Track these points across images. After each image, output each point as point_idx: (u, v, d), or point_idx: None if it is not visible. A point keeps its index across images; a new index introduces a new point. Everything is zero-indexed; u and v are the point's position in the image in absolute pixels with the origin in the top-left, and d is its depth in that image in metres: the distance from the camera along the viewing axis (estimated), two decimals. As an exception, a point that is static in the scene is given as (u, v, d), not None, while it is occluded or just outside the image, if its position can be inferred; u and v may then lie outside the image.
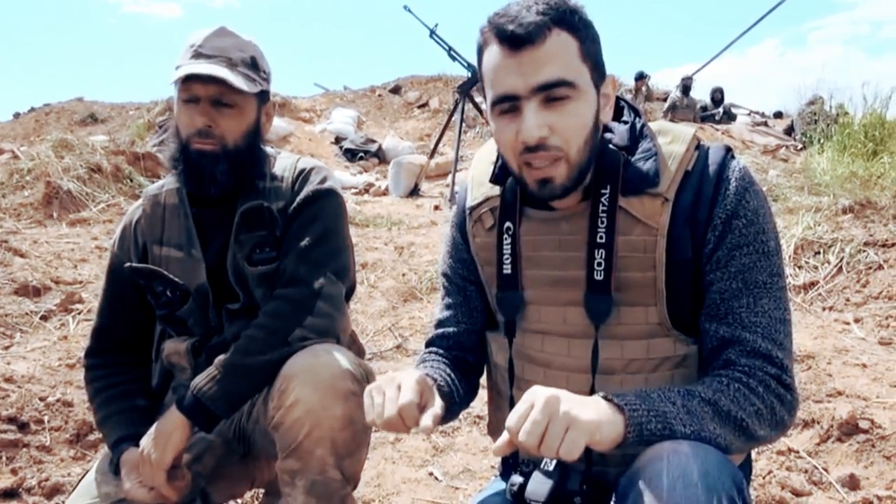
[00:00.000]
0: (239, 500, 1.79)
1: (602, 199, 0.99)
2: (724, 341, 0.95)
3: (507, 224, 1.07)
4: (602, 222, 0.98)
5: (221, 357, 1.28)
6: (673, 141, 1.00)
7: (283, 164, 1.44)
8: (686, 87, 11.37)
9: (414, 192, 7.75)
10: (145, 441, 1.28)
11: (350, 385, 1.21)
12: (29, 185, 5.38)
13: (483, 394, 1.27)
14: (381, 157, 10.47)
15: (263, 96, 1.40)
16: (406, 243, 4.87)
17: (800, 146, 8.82)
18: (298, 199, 1.38)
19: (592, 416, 0.82)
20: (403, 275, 4.07)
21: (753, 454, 1.76)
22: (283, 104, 12.26)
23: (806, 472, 1.95)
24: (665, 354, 0.99)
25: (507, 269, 1.07)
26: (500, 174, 1.07)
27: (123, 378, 1.46)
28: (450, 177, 7.11)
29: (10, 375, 2.44)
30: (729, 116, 11.88)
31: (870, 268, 3.43)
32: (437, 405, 0.95)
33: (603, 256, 0.98)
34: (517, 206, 1.07)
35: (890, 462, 1.93)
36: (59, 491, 1.89)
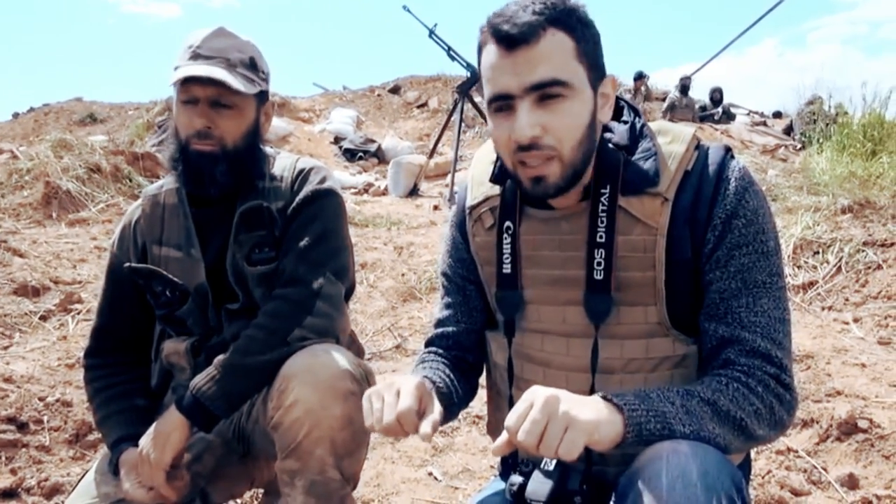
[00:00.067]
0: (238, 500, 1.79)
1: (602, 199, 0.99)
2: (724, 341, 0.96)
3: (507, 223, 1.07)
4: (602, 222, 0.98)
5: (221, 357, 1.28)
6: (673, 141, 1.00)
7: (283, 164, 1.44)
8: (684, 87, 11.37)
9: (413, 192, 7.75)
10: (144, 441, 1.28)
11: (349, 385, 1.21)
12: (28, 185, 5.37)
13: (482, 393, 1.28)
14: (380, 157, 10.47)
15: (262, 96, 1.40)
16: (405, 243, 4.87)
17: (799, 146, 8.83)
18: (298, 199, 1.38)
19: (591, 416, 0.83)
20: (403, 275, 4.07)
21: (752, 454, 1.76)
22: (283, 104, 12.26)
23: (805, 471, 1.95)
24: (664, 354, 0.99)
25: (507, 269, 1.07)
26: (500, 174, 1.07)
27: (123, 378, 1.46)
28: (449, 177, 7.11)
29: (10, 375, 2.44)
30: (728, 116, 11.89)
31: (869, 267, 3.44)
32: (436, 411, 0.95)
33: (603, 256, 0.98)
34: (517, 205, 1.07)
35: (889, 461, 1.93)
36: (58, 491, 1.89)
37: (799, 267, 3.64)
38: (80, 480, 1.42)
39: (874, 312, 3.09)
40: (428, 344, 1.23)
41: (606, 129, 1.02)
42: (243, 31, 1.38)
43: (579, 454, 0.81)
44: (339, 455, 1.22)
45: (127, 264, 1.43)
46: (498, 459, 1.28)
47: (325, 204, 1.39)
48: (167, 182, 1.46)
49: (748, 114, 13.03)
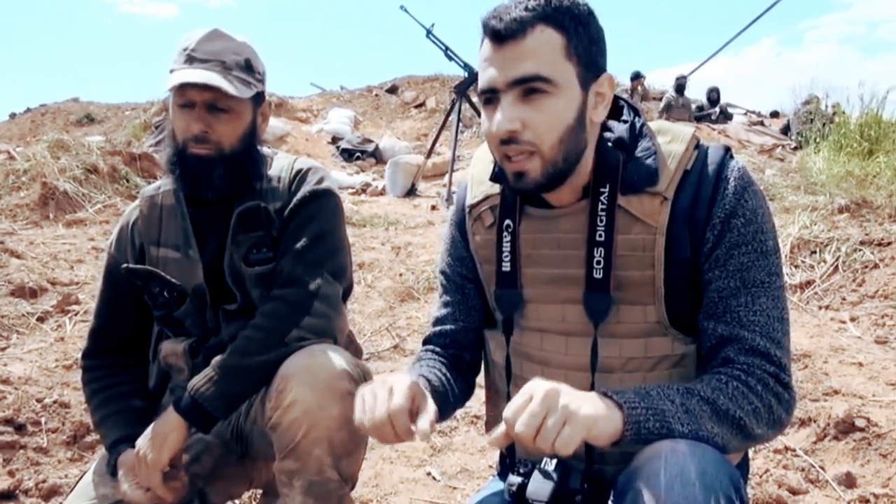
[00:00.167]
0: (237, 501, 1.79)
1: (601, 198, 0.99)
2: (723, 339, 0.96)
3: (507, 221, 1.07)
4: (601, 220, 0.99)
5: (218, 358, 1.28)
6: (672, 140, 1.00)
7: (280, 164, 1.44)
8: (681, 87, 11.39)
9: (411, 191, 7.74)
10: (142, 442, 1.28)
11: (347, 385, 1.21)
12: (25, 186, 5.36)
13: (481, 393, 1.28)
14: (377, 156, 10.47)
15: (259, 97, 1.40)
16: (403, 243, 4.87)
17: (795, 146, 8.84)
18: (295, 199, 1.38)
19: (591, 412, 0.83)
20: (400, 275, 4.07)
21: (750, 453, 1.76)
22: (280, 104, 12.26)
23: (803, 470, 1.95)
24: (663, 353, 1.00)
25: (507, 267, 1.08)
26: (500, 172, 1.08)
27: (121, 379, 1.46)
28: (447, 176, 7.10)
29: (7, 377, 2.44)
30: (725, 116, 11.90)
31: (866, 267, 3.44)
32: (431, 409, 0.94)
33: (602, 255, 0.98)
34: (517, 204, 1.07)
35: (886, 460, 1.94)
36: (56, 492, 1.88)
37: (796, 266, 3.65)
38: (77, 482, 1.42)
39: (871, 311, 3.10)
40: (425, 342, 1.23)
41: (606, 128, 1.03)
42: (240, 31, 1.38)
43: (575, 450, 0.81)
44: (338, 455, 1.22)
45: (124, 265, 1.43)
46: (496, 459, 1.28)
47: (323, 204, 1.39)
48: (164, 183, 1.46)
49: (745, 113, 13.05)
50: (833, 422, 2.08)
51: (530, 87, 0.93)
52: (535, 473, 0.97)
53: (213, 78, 1.28)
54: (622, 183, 0.99)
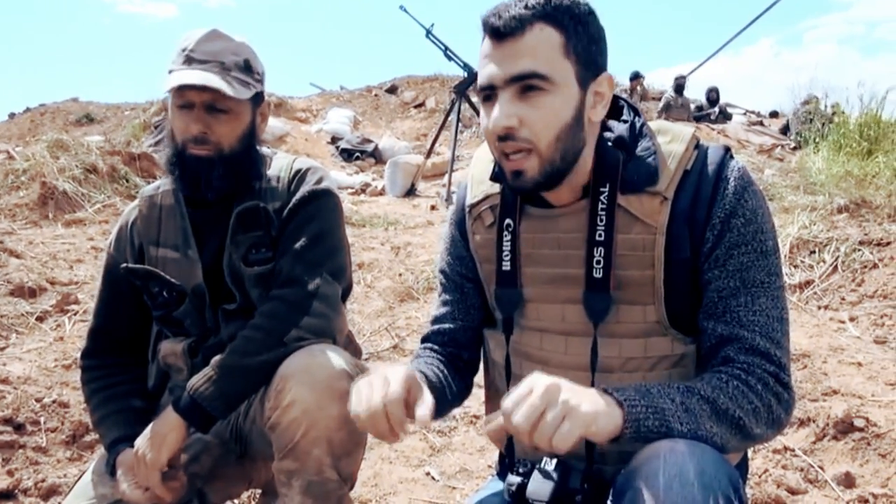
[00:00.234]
0: (236, 501, 1.79)
1: (601, 197, 0.99)
2: (723, 339, 0.96)
3: (508, 221, 1.08)
4: (601, 220, 0.99)
5: (217, 357, 1.28)
6: (672, 140, 1.01)
7: (280, 164, 1.44)
8: (679, 87, 11.40)
9: (410, 191, 7.74)
10: (140, 441, 1.28)
11: (346, 385, 1.20)
12: (24, 186, 5.35)
13: (480, 393, 1.28)
14: (377, 156, 10.47)
15: (258, 98, 1.40)
16: (403, 243, 4.87)
17: (795, 145, 8.85)
18: (294, 199, 1.38)
19: (590, 409, 0.82)
20: (400, 275, 4.07)
21: (749, 453, 1.76)
22: (280, 104, 12.25)
23: (802, 470, 1.95)
24: (662, 353, 1.00)
25: (507, 266, 1.08)
26: (500, 171, 1.08)
27: (120, 379, 1.46)
28: (446, 176, 7.10)
29: (6, 377, 2.43)
30: (724, 116, 11.91)
31: (865, 267, 3.44)
32: (428, 399, 0.94)
33: (602, 254, 0.99)
34: (517, 203, 1.07)
35: (885, 460, 1.94)
36: (55, 492, 1.88)
37: (795, 266, 3.65)
38: (76, 481, 1.41)
39: (870, 311, 3.10)
40: (424, 340, 1.23)
41: (606, 128, 1.03)
42: (240, 30, 1.37)
43: (573, 447, 0.81)
44: (337, 455, 1.22)
45: (124, 265, 1.43)
46: (496, 459, 1.28)
47: (322, 204, 1.39)
48: (164, 183, 1.46)
49: (745, 113, 13.06)
50: (832, 422, 2.09)
51: (528, 85, 0.94)
52: (535, 473, 0.97)
53: (211, 79, 1.28)
54: (622, 182, 0.99)
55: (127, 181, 5.79)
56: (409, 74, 15.05)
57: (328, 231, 1.38)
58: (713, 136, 9.32)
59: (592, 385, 1.00)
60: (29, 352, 2.79)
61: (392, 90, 14.35)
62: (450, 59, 7.12)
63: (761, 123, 11.89)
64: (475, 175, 1.15)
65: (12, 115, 15.32)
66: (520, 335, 1.09)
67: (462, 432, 2.34)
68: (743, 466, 1.12)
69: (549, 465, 0.98)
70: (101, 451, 1.44)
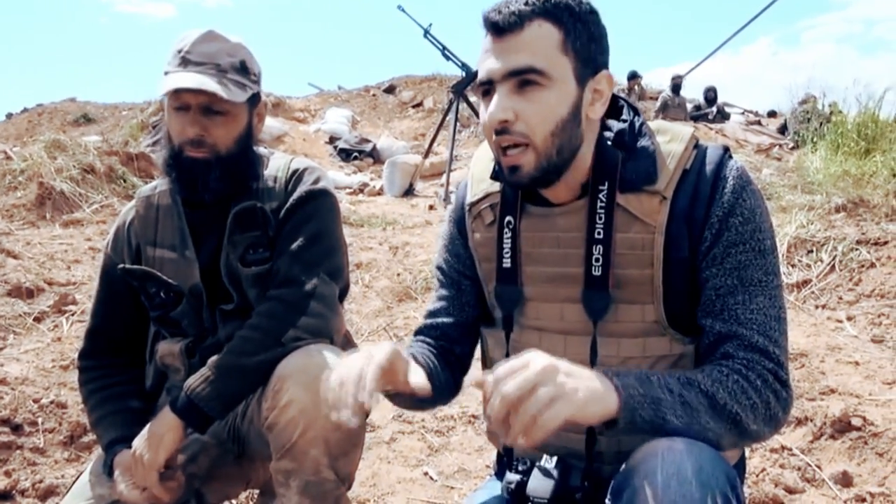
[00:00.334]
0: (234, 501, 1.79)
1: (600, 196, 1.00)
2: (721, 336, 0.96)
3: (508, 218, 1.08)
4: (600, 218, 0.99)
5: (215, 358, 1.28)
6: (672, 140, 1.01)
7: (277, 164, 1.44)
8: (676, 86, 11.41)
9: (409, 191, 7.74)
10: (138, 442, 1.28)
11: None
12: (22, 186, 5.34)
13: (478, 393, 1.27)
14: (375, 156, 10.46)
15: (254, 98, 1.40)
16: (401, 243, 4.87)
17: (793, 145, 8.85)
18: (292, 199, 1.38)
19: (584, 395, 0.81)
20: (398, 275, 4.07)
21: (747, 452, 1.76)
22: (278, 104, 12.23)
23: (799, 469, 1.96)
24: (661, 353, 1.00)
25: (507, 263, 1.08)
26: (499, 168, 1.08)
27: (117, 379, 1.46)
28: (444, 176, 7.10)
29: (4, 377, 2.43)
30: (722, 115, 11.91)
31: (862, 266, 3.45)
32: (419, 371, 0.93)
33: (601, 252, 0.99)
34: (518, 201, 1.07)
35: (882, 459, 1.94)
36: (52, 493, 1.88)
37: (793, 265, 3.65)
38: (74, 482, 1.41)
39: (867, 311, 3.10)
40: (416, 333, 1.23)
41: (606, 127, 1.03)
42: (238, 30, 1.37)
43: (552, 430, 0.78)
44: (334, 455, 1.22)
45: (121, 266, 1.43)
46: (494, 459, 1.28)
47: (319, 204, 1.39)
48: (161, 183, 1.45)
49: (743, 113, 13.07)
50: (829, 421, 2.09)
51: (525, 79, 0.95)
52: (535, 471, 0.98)
53: (207, 83, 1.27)
54: (621, 181, 0.99)
55: (125, 181, 5.78)
56: (408, 74, 15.05)
57: (325, 231, 1.38)
58: (711, 136, 9.33)
59: None
60: (26, 352, 2.79)
61: (390, 90, 14.34)
62: (448, 58, 7.12)
63: (759, 123, 11.90)
64: (475, 173, 1.15)
65: (10, 116, 15.29)
66: (519, 333, 1.09)
67: (460, 432, 2.34)
68: (741, 465, 1.12)
69: (549, 463, 0.98)
70: (98, 451, 1.44)
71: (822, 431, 2.09)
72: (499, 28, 0.95)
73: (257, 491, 1.65)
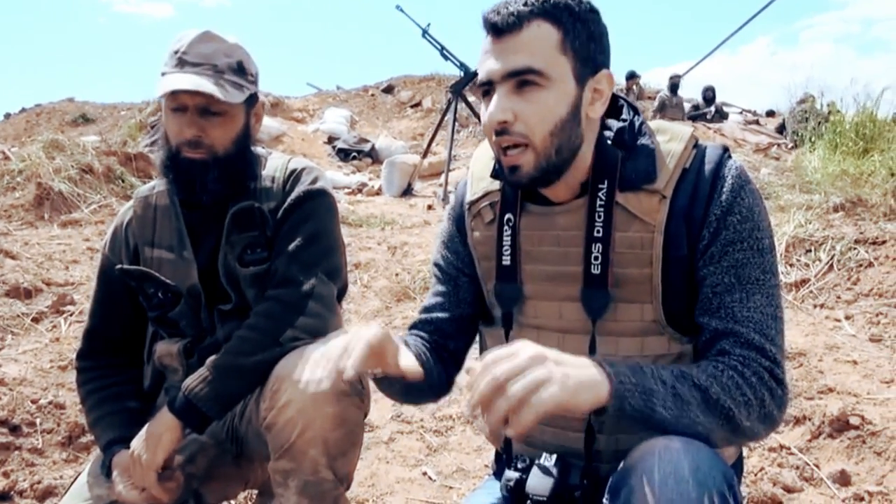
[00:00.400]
0: (232, 501, 1.79)
1: (599, 194, 1.00)
2: (718, 333, 0.96)
3: (508, 216, 1.08)
4: (599, 217, 0.99)
5: (213, 358, 1.28)
6: (671, 139, 1.01)
7: (275, 164, 1.44)
8: (674, 86, 11.42)
9: (407, 191, 7.74)
10: (136, 442, 1.28)
11: (342, 385, 1.20)
12: (20, 187, 5.33)
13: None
14: (374, 156, 10.45)
15: (252, 99, 1.39)
16: (399, 243, 4.87)
17: (791, 144, 8.86)
18: (290, 199, 1.38)
19: (574, 382, 0.80)
20: (397, 274, 4.07)
21: (745, 451, 1.77)
22: (276, 104, 12.22)
23: (797, 468, 1.96)
24: (659, 352, 1.00)
25: (507, 261, 1.08)
26: (499, 167, 1.08)
27: (115, 380, 1.46)
28: (443, 176, 7.10)
29: (2, 378, 2.43)
30: (721, 115, 11.92)
31: (860, 265, 3.45)
32: (409, 354, 0.92)
33: (600, 251, 0.99)
34: (518, 199, 1.08)
35: (880, 458, 1.94)
36: (51, 493, 1.88)
37: (791, 265, 3.65)
38: (72, 483, 1.41)
39: (866, 310, 3.10)
40: (411, 328, 1.23)
41: (605, 126, 1.03)
42: (236, 30, 1.38)
43: (539, 417, 0.77)
44: (332, 455, 1.22)
45: (118, 266, 1.43)
46: (492, 459, 1.28)
47: (317, 204, 1.39)
48: (159, 183, 1.45)
49: (741, 112, 13.07)
50: (828, 420, 2.09)
51: (523, 80, 0.95)
52: (534, 469, 0.98)
53: (204, 85, 1.27)
54: (621, 180, 0.99)
55: (123, 181, 5.77)
56: (406, 74, 15.04)
57: (323, 231, 1.38)
58: (709, 136, 9.33)
59: None
60: (25, 353, 2.79)
61: (389, 90, 14.33)
62: (446, 58, 7.13)
63: (757, 122, 11.90)
64: (475, 172, 1.15)
65: (8, 116, 15.28)
66: (518, 332, 1.09)
67: (459, 432, 2.34)
68: (738, 465, 1.12)
69: (549, 461, 0.98)
70: (96, 452, 1.44)
71: (820, 430, 2.09)
72: (498, 29, 0.96)
73: (256, 491, 1.65)
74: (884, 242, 3.54)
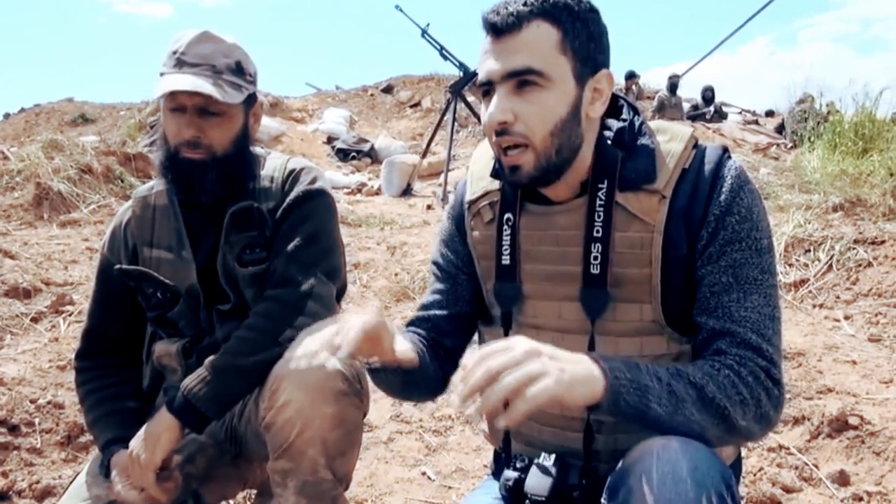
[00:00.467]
0: (231, 501, 1.79)
1: (599, 194, 1.00)
2: (715, 332, 0.96)
3: (508, 215, 1.08)
4: (599, 216, 0.99)
5: (212, 358, 1.28)
6: (671, 139, 1.01)
7: (274, 164, 1.44)
8: (673, 86, 11.42)
9: (406, 191, 7.74)
10: (135, 442, 1.28)
11: (341, 385, 1.21)
12: (19, 187, 5.33)
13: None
14: (373, 156, 10.46)
15: (250, 99, 1.39)
16: (398, 243, 4.87)
17: (790, 144, 8.86)
18: (288, 199, 1.38)
19: (568, 376, 0.80)
20: (396, 274, 4.07)
21: (744, 451, 1.77)
22: (275, 104, 12.22)
23: (796, 468, 1.96)
24: (658, 352, 1.00)
25: (506, 260, 1.08)
26: (499, 166, 1.08)
27: (114, 380, 1.46)
28: (442, 176, 7.10)
29: (1, 378, 2.43)
30: (720, 115, 11.93)
31: (859, 265, 3.45)
32: (404, 340, 0.92)
33: (599, 250, 0.99)
34: (517, 199, 1.08)
35: (879, 458, 1.95)
36: (49, 493, 1.88)
37: (790, 265, 3.66)
38: (71, 482, 1.41)
39: (865, 310, 3.11)
40: (408, 325, 1.22)
41: (605, 126, 1.04)
42: (235, 30, 1.37)
43: (534, 408, 0.77)
44: (331, 455, 1.22)
45: (117, 266, 1.42)
46: (491, 459, 1.28)
47: (316, 204, 1.39)
48: (158, 183, 1.45)
49: (740, 112, 13.08)
50: (827, 420, 2.09)
51: (523, 80, 0.95)
52: (533, 468, 0.98)
53: (202, 85, 1.27)
54: (620, 180, 0.99)
55: (122, 181, 5.77)
56: (405, 74, 15.04)
57: (322, 231, 1.38)
58: (709, 135, 9.33)
59: None
60: (24, 353, 2.79)
61: (388, 90, 14.33)
62: (445, 58, 7.13)
63: (757, 122, 11.90)
64: (475, 172, 1.15)
65: (7, 116, 15.27)
66: (517, 331, 1.09)
67: (458, 432, 2.34)
68: (737, 465, 1.12)
69: (548, 460, 0.98)
70: (95, 452, 1.44)
71: (819, 430, 2.09)
72: (497, 29, 0.96)
73: (255, 491, 1.64)
74: (883, 242, 3.54)
